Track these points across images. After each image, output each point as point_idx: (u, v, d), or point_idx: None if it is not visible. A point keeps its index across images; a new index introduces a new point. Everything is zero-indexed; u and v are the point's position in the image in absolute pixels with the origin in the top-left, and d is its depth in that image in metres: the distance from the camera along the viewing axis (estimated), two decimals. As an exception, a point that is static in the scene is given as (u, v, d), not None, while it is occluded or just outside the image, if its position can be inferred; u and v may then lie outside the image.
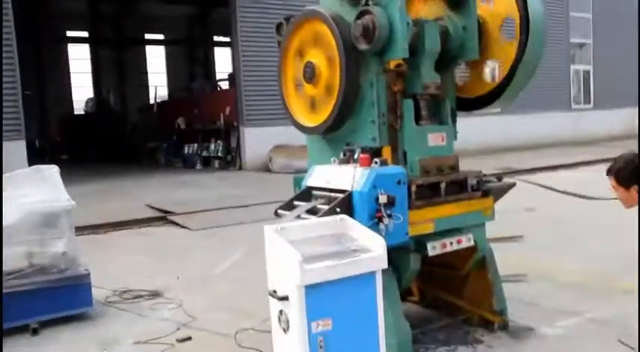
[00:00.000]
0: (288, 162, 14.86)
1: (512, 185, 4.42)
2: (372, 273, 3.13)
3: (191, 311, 5.13)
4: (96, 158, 23.48)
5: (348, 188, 3.64)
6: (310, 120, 4.32)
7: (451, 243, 3.93)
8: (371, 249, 3.16)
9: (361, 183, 3.59)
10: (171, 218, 10.03)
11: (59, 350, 4.47)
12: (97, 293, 5.86)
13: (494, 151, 19.22)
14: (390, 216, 3.55)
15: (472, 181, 4.13)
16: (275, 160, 15.60)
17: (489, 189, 4.21)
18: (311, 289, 2.97)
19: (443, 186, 4.00)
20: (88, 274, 5.15)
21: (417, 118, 4.10)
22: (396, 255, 3.92)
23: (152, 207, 11.04)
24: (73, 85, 32.16)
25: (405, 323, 3.82)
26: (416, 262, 3.93)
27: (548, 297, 5.02)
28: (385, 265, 3.14)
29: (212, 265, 6.76)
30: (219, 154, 17.93)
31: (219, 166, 17.79)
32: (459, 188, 4.14)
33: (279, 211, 3.87)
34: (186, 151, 19.56)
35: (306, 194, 3.96)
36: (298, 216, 3.70)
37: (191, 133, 19.37)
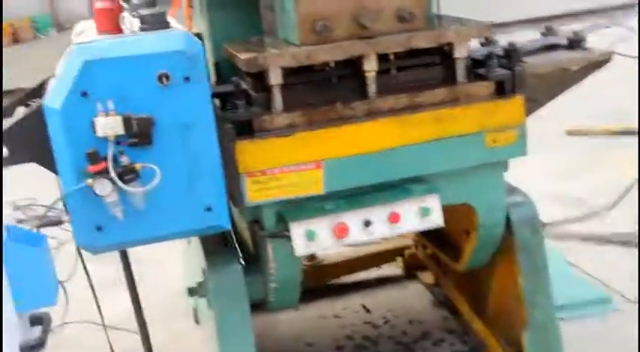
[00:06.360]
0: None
1: (603, 61, 1.72)
2: None
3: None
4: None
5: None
6: None
7: (367, 224, 1.47)
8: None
9: (55, 85, 1.28)
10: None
11: None
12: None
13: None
14: (129, 171, 1.23)
15: (464, 53, 1.56)
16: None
17: (520, 73, 1.60)
18: None
19: (370, 69, 1.50)
20: None
21: None
22: (253, 237, 1.66)
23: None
24: None
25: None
26: (288, 260, 1.58)
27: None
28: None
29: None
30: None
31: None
32: (442, 73, 1.61)
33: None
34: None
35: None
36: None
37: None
